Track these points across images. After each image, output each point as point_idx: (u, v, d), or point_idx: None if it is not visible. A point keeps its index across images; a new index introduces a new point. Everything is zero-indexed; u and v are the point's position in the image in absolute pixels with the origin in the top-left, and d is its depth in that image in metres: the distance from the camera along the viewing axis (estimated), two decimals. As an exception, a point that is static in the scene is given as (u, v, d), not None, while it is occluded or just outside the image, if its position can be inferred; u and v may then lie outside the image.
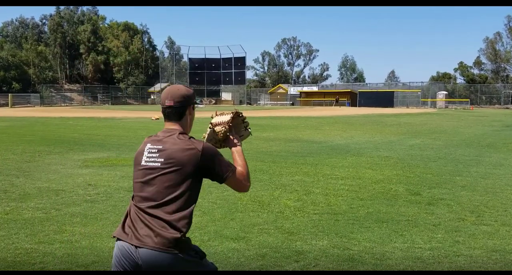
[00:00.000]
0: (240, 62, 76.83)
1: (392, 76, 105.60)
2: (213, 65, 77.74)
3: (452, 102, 62.11)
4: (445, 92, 63.18)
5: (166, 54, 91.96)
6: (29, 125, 22.61)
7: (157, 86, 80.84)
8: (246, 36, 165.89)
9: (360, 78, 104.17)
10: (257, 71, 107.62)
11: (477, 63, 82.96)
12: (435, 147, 13.60)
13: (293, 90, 76.84)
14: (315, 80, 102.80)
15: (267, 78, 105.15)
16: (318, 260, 4.31)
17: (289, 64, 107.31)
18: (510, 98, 66.14)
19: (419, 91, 63.96)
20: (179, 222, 2.19)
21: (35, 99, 65.00)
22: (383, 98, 60.00)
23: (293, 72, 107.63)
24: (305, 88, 77.04)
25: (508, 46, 79.13)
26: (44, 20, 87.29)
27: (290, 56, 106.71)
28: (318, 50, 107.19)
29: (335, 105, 62.58)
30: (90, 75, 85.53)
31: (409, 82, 69.41)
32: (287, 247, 4.65)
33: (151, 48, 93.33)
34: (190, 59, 79.15)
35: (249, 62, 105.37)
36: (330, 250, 4.57)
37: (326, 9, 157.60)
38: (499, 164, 10.21)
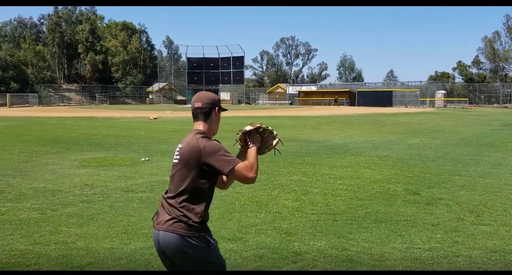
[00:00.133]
0: (238, 61, 76.72)
1: (390, 75, 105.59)
2: (212, 64, 77.59)
3: (451, 102, 62.06)
4: (443, 91, 63.16)
5: (165, 54, 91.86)
6: (26, 125, 22.54)
7: (155, 86, 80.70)
8: (244, 36, 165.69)
9: (358, 77, 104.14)
10: (256, 71, 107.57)
11: (476, 62, 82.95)
12: (434, 146, 13.57)
13: (292, 89, 76.74)
14: (313, 79, 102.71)
15: (265, 78, 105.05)
16: (316, 261, 4.26)
17: (287, 63, 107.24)
18: (509, 98, 66.15)
19: (418, 91, 63.91)
20: (188, 211, 2.56)
21: (33, 99, 64.84)
22: (382, 98, 59.95)
23: (292, 72, 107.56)
24: (304, 88, 76.96)
25: (506, 45, 79.16)
26: (42, 20, 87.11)
27: (288, 55, 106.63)
28: (316, 50, 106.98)
29: (333, 105, 62.56)
30: (88, 75, 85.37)
31: (408, 82, 69.35)
32: (285, 248, 4.60)
33: (149, 48, 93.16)
34: (188, 58, 78.97)
35: (247, 61, 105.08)
36: (328, 250, 4.53)
37: (324, 8, 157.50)
38: (498, 163, 10.18)
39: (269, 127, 2.86)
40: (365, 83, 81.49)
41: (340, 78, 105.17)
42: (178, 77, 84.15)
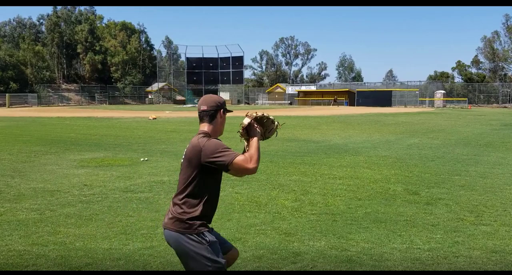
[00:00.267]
0: (238, 61, 76.63)
1: (390, 75, 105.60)
2: (211, 64, 77.50)
3: (450, 102, 62.06)
4: (443, 91, 63.15)
5: (164, 54, 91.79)
6: (25, 126, 22.51)
7: (155, 86, 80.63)
8: (244, 36, 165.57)
9: (358, 77, 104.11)
10: (255, 71, 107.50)
11: (475, 62, 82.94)
12: (433, 146, 13.55)
13: (291, 89, 76.73)
14: (313, 79, 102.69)
15: (265, 78, 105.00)
16: (316, 261, 4.24)
17: (287, 63, 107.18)
18: (508, 97, 66.17)
19: (417, 91, 63.92)
20: (188, 208, 2.73)
21: (33, 99, 64.75)
22: (381, 98, 59.96)
23: (291, 72, 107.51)
24: (303, 88, 76.94)
25: (506, 45, 79.14)
26: (41, 20, 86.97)
27: (288, 55, 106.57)
28: (316, 50, 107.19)
29: (333, 104, 62.55)
30: (87, 75, 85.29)
31: (407, 82, 69.39)
32: (284, 248, 4.58)
33: (148, 48, 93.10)
34: (187, 58, 78.83)
35: (247, 61, 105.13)
36: (328, 251, 4.51)
37: (324, 8, 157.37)
38: (497, 163, 10.17)
39: (265, 114, 2.96)
40: (364, 83, 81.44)
41: (340, 78, 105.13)
42: (177, 77, 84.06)
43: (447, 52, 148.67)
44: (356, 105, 60.31)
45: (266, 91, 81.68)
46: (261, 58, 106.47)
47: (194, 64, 77.70)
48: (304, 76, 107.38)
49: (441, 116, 32.11)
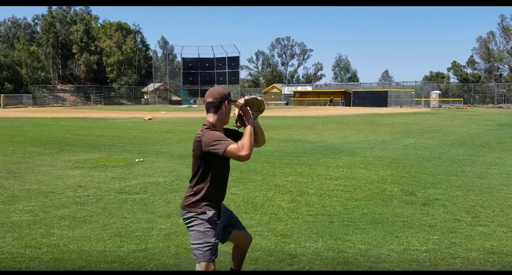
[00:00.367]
0: (234, 62, 76.58)
1: (385, 75, 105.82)
2: (207, 65, 77.41)
3: (446, 102, 62.21)
4: (438, 91, 63.28)
5: (160, 54, 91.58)
6: (20, 126, 22.38)
7: (150, 86, 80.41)
8: (240, 36, 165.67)
9: (354, 78, 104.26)
10: (251, 71, 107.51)
11: (471, 62, 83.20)
12: (429, 146, 13.55)
13: (287, 90, 76.77)
14: (309, 80, 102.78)
15: (261, 78, 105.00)
16: (312, 263, 4.20)
17: (283, 64, 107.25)
18: (503, 98, 66.41)
19: (413, 91, 64.04)
20: (194, 191, 3.13)
21: (28, 100, 64.48)
22: (377, 98, 60.04)
23: (287, 72, 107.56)
24: (299, 88, 76.99)
25: (501, 45, 79.43)
26: (36, 20, 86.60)
27: (284, 56, 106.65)
28: (312, 50, 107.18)
29: (329, 105, 62.58)
30: (82, 75, 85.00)
31: (403, 82, 69.52)
32: (280, 250, 4.54)
33: (144, 48, 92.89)
34: (183, 59, 78.71)
35: (243, 61, 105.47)
36: (325, 252, 4.47)
37: (320, 9, 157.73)
38: (494, 163, 10.16)
39: (252, 96, 3.22)
40: (360, 83, 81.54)
41: (336, 78, 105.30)
42: (173, 78, 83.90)
43: (443, 52, 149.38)
44: (352, 106, 60.37)
45: (262, 91, 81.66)
46: (257, 59, 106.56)
47: (190, 65, 77.59)
48: (300, 77, 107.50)
49: (437, 117, 32.17)
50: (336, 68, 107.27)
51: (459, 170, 9.32)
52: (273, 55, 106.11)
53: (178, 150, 12.52)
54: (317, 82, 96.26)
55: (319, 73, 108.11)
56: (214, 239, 3.09)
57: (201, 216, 3.10)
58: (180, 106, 64.89)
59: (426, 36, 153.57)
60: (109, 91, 80.00)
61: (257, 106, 3.28)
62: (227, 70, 76.54)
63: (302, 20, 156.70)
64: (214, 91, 3.22)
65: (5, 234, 5.06)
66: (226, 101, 3.17)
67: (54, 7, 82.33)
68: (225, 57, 76.73)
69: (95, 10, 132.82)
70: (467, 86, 72.73)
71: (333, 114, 34.96)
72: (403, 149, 12.95)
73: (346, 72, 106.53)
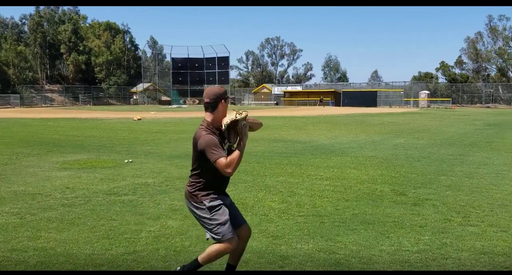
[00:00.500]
0: (223, 62, 76.52)
1: (375, 76, 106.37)
2: (196, 65, 77.24)
3: (434, 102, 62.67)
4: (427, 91, 63.73)
5: (149, 54, 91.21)
6: (7, 127, 22.10)
7: (140, 86, 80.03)
8: (229, 36, 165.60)
9: (343, 78, 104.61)
10: (241, 71, 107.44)
11: (459, 62, 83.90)
12: (419, 146, 13.60)
13: (277, 90, 76.83)
14: (299, 80, 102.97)
15: (251, 78, 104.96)
16: (304, 265, 4.16)
17: (273, 64, 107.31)
18: (491, 97, 67.07)
19: (402, 91, 64.44)
20: (194, 183, 3.44)
21: (15, 100, 63.84)
22: (367, 98, 60.30)
23: (277, 72, 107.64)
24: (289, 88, 77.09)
25: (489, 45, 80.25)
26: (23, 20, 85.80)
27: (274, 56, 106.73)
28: (301, 50, 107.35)
29: (319, 105, 62.72)
30: (71, 75, 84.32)
31: (392, 82, 70.02)
32: (271, 251, 4.50)
33: (133, 48, 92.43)
34: (173, 59, 78.47)
35: (232, 62, 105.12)
36: (316, 254, 4.43)
37: (309, 9, 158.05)
38: (483, 163, 10.22)
39: (242, 114, 3.32)
40: (350, 83, 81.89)
41: (325, 78, 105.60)
42: (162, 78, 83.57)
43: (431, 53, 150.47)
44: (342, 106, 60.57)
45: (252, 91, 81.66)
46: (247, 59, 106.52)
47: (180, 65, 77.38)
48: (290, 77, 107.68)
49: (426, 117, 32.37)
50: (326, 69, 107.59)
51: (449, 169, 9.35)
52: (263, 55, 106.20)
53: (167, 151, 12.43)
54: (307, 82, 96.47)
55: (309, 73, 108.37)
56: (225, 219, 3.39)
57: (202, 205, 3.41)
58: (170, 106, 64.64)
59: (414, 36, 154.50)
60: (98, 91, 79.47)
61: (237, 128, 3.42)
62: (217, 70, 76.42)
63: (291, 20, 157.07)
64: (211, 91, 3.42)
65: (-10, 237, 4.96)
66: (223, 100, 3.41)
67: (41, 7, 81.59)
68: (215, 57, 76.62)
69: (84, 9, 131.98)
70: (455, 86, 73.36)
71: (323, 114, 35.03)
72: (393, 148, 12.98)
73: (336, 73, 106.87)
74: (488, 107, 60.14)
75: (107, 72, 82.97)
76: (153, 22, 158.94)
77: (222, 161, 3.21)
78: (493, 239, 4.90)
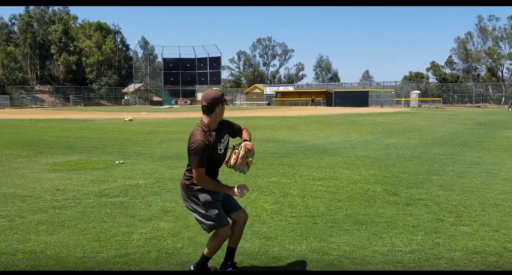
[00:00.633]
0: (215, 62, 76.41)
1: (366, 76, 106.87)
2: (188, 65, 77.05)
3: (425, 101, 63.04)
4: (418, 91, 64.12)
5: (140, 54, 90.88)
6: (-3, 128, 21.87)
7: (131, 87, 79.68)
8: (221, 36, 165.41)
9: (335, 78, 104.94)
10: (233, 71, 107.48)
11: (449, 62, 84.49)
12: (410, 146, 13.64)
13: (269, 90, 76.85)
14: (290, 80, 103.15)
15: (242, 78, 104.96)
16: (297, 267, 4.14)
17: (264, 64, 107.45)
18: (481, 97, 67.59)
19: (393, 91, 64.75)
20: (190, 178, 3.61)
21: (5, 101, 63.30)
22: (358, 98, 60.51)
23: (269, 72, 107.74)
24: (281, 88, 77.16)
25: (478, 45, 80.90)
26: (13, 20, 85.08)
27: (265, 56, 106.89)
28: (293, 50, 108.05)
29: (311, 105, 62.81)
30: (61, 76, 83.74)
31: (383, 82, 70.26)
32: (264, 253, 4.47)
33: (124, 48, 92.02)
34: (164, 59, 78.23)
35: (224, 62, 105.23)
36: (309, 255, 4.41)
37: (301, 9, 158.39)
38: (474, 163, 10.26)
39: (245, 149, 3.73)
40: (341, 83, 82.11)
41: (317, 78, 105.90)
42: (154, 78, 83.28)
43: (422, 53, 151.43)
44: (334, 106, 60.73)
45: (244, 91, 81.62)
46: (239, 59, 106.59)
47: (171, 65, 77.14)
48: (282, 77, 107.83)
49: (417, 116, 32.52)
50: (318, 69, 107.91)
51: (440, 169, 9.38)
52: (254, 56, 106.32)
53: (159, 151, 12.36)
54: (299, 83, 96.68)
55: (300, 73, 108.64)
56: (216, 213, 3.63)
57: (196, 199, 3.62)
58: (161, 107, 64.44)
59: (405, 36, 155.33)
60: (88, 92, 79.02)
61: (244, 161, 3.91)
62: (208, 70, 76.28)
63: (283, 20, 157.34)
64: (208, 95, 3.55)
65: (-21, 240, 4.88)
66: (220, 104, 3.56)
67: (31, 7, 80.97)
68: (206, 58, 76.48)
69: (74, 10, 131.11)
70: (446, 86, 73.83)
71: (315, 114, 35.07)
72: (384, 148, 13.00)
73: (327, 73, 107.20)
74: (478, 106, 60.60)
75: (98, 73, 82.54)
76: (144, 22, 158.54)
77: (199, 171, 3.48)
78: (485, 238, 4.91)
